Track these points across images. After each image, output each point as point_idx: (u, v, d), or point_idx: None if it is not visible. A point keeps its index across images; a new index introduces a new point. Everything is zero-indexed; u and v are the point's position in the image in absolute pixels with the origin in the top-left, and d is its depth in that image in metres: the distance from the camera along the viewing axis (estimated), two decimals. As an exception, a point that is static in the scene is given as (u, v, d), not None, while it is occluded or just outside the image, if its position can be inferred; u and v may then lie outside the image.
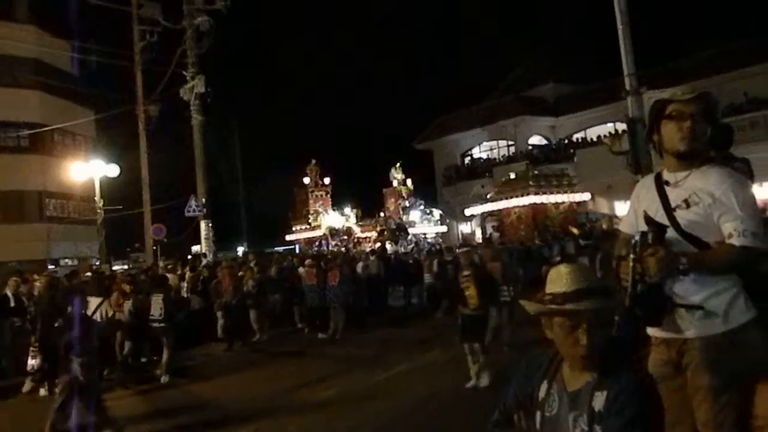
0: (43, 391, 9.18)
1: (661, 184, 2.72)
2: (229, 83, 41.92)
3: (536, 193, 27.66)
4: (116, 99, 23.14)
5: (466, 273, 7.66)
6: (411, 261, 18.31)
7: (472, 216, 32.98)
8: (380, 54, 73.91)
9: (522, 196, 27.76)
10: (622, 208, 27.76)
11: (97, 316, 9.33)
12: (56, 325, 9.85)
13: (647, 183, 2.84)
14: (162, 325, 10.11)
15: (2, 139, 25.95)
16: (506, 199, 28.50)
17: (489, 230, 31.43)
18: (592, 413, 1.88)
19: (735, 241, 2.46)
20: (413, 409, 6.96)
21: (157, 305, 10.20)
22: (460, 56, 68.51)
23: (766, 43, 24.67)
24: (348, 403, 7.51)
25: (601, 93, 29.59)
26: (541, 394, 2.03)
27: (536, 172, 28.75)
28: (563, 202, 28.48)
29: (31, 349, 9.50)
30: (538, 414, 2.02)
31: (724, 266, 2.53)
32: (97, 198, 20.06)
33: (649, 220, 2.56)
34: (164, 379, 9.73)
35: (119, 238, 28.11)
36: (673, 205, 2.63)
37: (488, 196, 30.02)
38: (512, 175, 29.57)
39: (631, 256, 2.49)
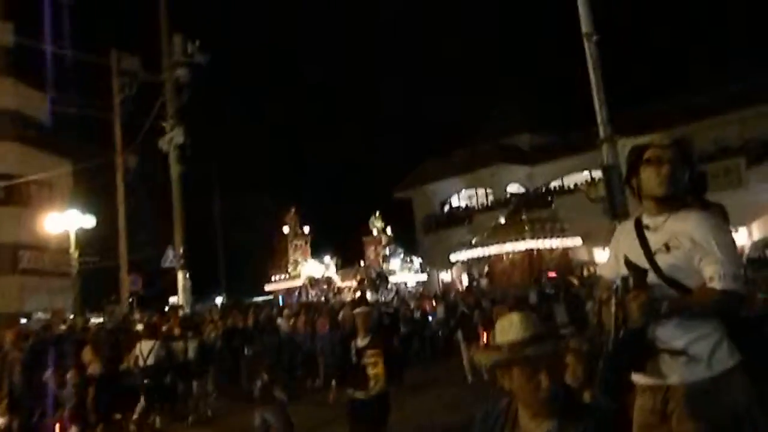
0: None
1: (640, 228, 2.73)
2: (210, 131, 42.03)
3: (532, 238, 27.02)
4: (94, 150, 23.06)
5: (367, 343, 5.77)
6: (392, 311, 18.17)
7: (456, 263, 32.69)
8: (359, 106, 74.94)
9: (517, 240, 27.09)
10: (600, 254, 27.99)
11: (151, 359, 10.07)
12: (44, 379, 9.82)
13: (627, 227, 2.86)
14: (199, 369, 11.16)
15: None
16: (498, 243, 27.76)
17: (476, 277, 30.90)
18: None
19: (716, 285, 2.47)
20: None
21: (192, 349, 11.16)
22: (437, 107, 69.64)
23: (734, 93, 25.58)
24: None
25: (576, 141, 30.23)
26: None
27: (524, 216, 28.31)
28: (556, 248, 28.04)
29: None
30: None
31: (706, 310, 2.53)
32: (72, 250, 19.75)
33: (629, 264, 2.56)
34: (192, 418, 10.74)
35: (94, 290, 27.50)
36: (653, 249, 2.64)
37: (473, 242, 29.63)
38: (502, 220, 29.12)
39: (613, 300, 2.50)
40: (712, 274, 2.48)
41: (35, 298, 27.03)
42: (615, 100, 10.02)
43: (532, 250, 27.10)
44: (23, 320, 21.69)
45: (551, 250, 27.87)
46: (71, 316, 19.50)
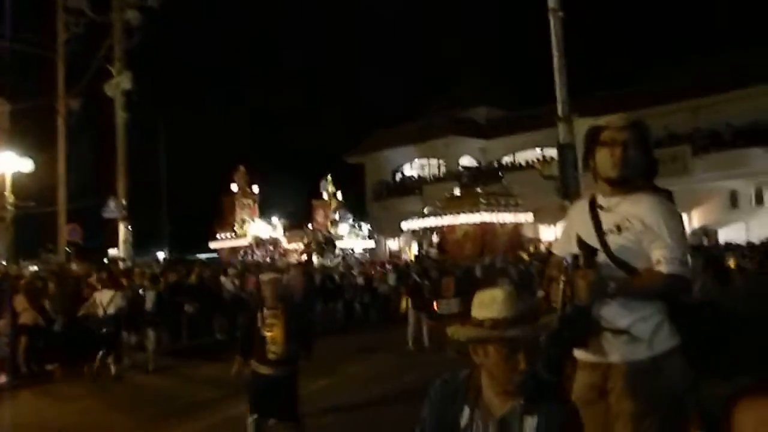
0: None
1: (594, 208, 2.74)
2: (158, 81, 40.61)
3: (486, 210, 27.07)
4: (34, 90, 21.95)
5: (270, 310, 5.26)
6: (337, 276, 18.16)
7: (408, 231, 32.76)
8: (316, 66, 73.78)
9: (472, 212, 27.10)
10: (547, 232, 28.61)
11: (111, 309, 10.13)
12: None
13: (581, 206, 2.86)
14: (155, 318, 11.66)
15: None
16: (452, 214, 27.74)
17: (426, 247, 30.61)
18: None
19: (663, 268, 2.49)
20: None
21: (150, 300, 11.73)
22: (395, 74, 69.20)
23: (687, 83, 26.27)
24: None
25: (531, 118, 30.56)
26: (463, 421, 1.95)
27: (479, 189, 28.34)
28: (509, 223, 28.20)
29: None
30: None
31: (651, 292, 2.55)
32: (7, 193, 18.90)
33: (581, 243, 2.57)
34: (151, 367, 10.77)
35: (30, 237, 26.52)
36: (605, 229, 2.65)
37: (426, 211, 29.59)
38: (457, 191, 29.10)
39: (562, 278, 2.50)
40: (660, 257, 2.50)
41: (-34, 241, 25.92)
42: (574, 81, 10.09)
43: (485, 223, 27.18)
44: (-48, 264, 20.75)
45: (503, 224, 28.08)
46: (4, 263, 18.79)
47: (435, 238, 29.30)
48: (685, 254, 2.53)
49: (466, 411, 1.96)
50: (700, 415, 5.01)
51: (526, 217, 28.65)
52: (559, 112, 9.49)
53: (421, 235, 30.36)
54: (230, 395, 8.30)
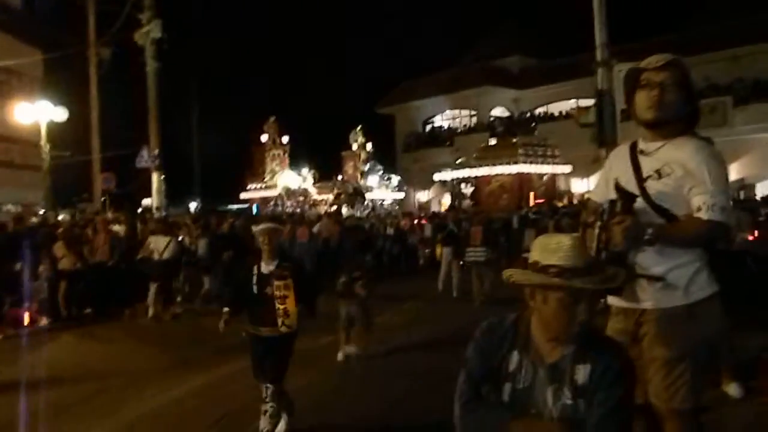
0: None
1: (635, 154, 2.67)
2: (189, 31, 40.48)
3: (524, 162, 26.33)
4: (66, 40, 22.03)
5: (273, 269, 4.73)
6: (367, 226, 18.26)
7: (438, 183, 32.39)
8: (348, 14, 72.59)
9: (509, 164, 26.39)
10: (579, 185, 28.19)
11: (167, 254, 10.68)
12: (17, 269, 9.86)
13: (622, 152, 2.79)
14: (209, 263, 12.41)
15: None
16: (488, 165, 27.02)
17: (459, 198, 30.06)
18: (575, 387, 1.82)
19: (703, 215, 2.42)
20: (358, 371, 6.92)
21: (202, 247, 12.51)
22: (428, 23, 67.79)
23: (728, 29, 25.17)
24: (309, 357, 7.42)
25: (566, 68, 29.74)
26: (512, 365, 1.93)
27: (516, 139, 27.47)
28: (546, 174, 27.48)
29: None
30: (508, 386, 1.92)
31: (690, 240, 2.49)
32: (43, 142, 19.21)
33: (618, 188, 2.52)
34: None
35: (66, 186, 27.08)
36: (644, 174, 2.58)
37: (458, 162, 28.93)
38: (492, 142, 28.33)
39: (598, 223, 2.46)
40: (700, 204, 2.43)
41: (5, 190, 26.53)
42: (613, 29, 9.74)
43: (522, 174, 26.46)
44: (-8, 212, 21.35)
45: (541, 175, 27.35)
46: (42, 211, 19.26)
47: (468, 190, 28.85)
48: (727, 201, 2.45)
49: (515, 356, 1.93)
50: (733, 365, 4.99)
51: (563, 169, 27.91)
52: (598, 56, 9.21)
53: (454, 186, 29.78)
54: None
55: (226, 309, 4.75)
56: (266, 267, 4.75)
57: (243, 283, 4.83)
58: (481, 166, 27.44)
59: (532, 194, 26.17)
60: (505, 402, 1.92)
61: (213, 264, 12.36)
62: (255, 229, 4.92)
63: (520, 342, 1.94)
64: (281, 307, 4.59)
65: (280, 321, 4.61)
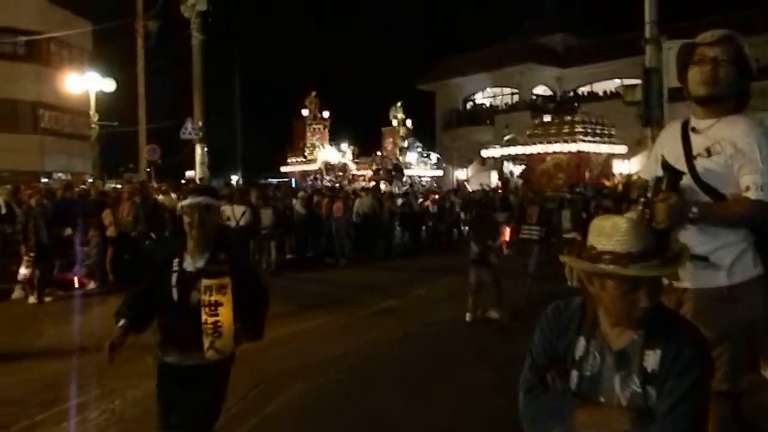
0: (32, 299, 9.42)
1: (686, 131, 2.62)
2: (234, 4, 40.72)
3: (583, 140, 24.93)
4: (114, 11, 22.45)
5: (204, 265, 3.13)
6: (404, 201, 18.32)
7: (477, 161, 31.55)
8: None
9: (567, 141, 25.06)
10: (620, 166, 27.60)
11: (243, 221, 11.48)
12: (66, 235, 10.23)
13: (673, 128, 2.75)
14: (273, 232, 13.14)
15: (-2, 44, 25.26)
16: (544, 143, 25.68)
17: (508, 176, 28.98)
18: (645, 374, 1.74)
19: (751, 195, 2.38)
20: (405, 338, 7.03)
21: (267, 217, 12.95)
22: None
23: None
24: (345, 330, 7.59)
25: (611, 47, 28.99)
26: (578, 352, 1.85)
27: (576, 117, 26.13)
28: (603, 153, 26.22)
29: (26, 258, 9.50)
30: (575, 373, 1.84)
31: (736, 219, 2.45)
32: (92, 112, 19.70)
33: (665, 165, 2.47)
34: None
35: (113, 156, 27.83)
36: (694, 152, 2.54)
37: (506, 139, 27.80)
38: (547, 118, 27.08)
39: (641, 199, 2.44)
40: (749, 183, 2.38)
41: (55, 158, 27.42)
42: (662, 7, 9.47)
43: (582, 152, 25.12)
44: (43, 180, 22.08)
45: (598, 155, 26.10)
46: (90, 180, 19.81)
47: (516, 168, 27.86)
48: None
49: (582, 342, 1.85)
50: (774, 350, 4.88)
51: (620, 149, 26.54)
52: (647, 33, 8.98)
53: (501, 164, 28.79)
54: (301, 309, 8.74)
55: (121, 322, 3.11)
56: (193, 262, 3.11)
57: (154, 283, 3.19)
58: (534, 143, 26.06)
59: (587, 174, 25.21)
60: (571, 390, 1.84)
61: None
62: (183, 204, 3.18)
63: (587, 327, 1.85)
64: (211, 320, 2.97)
65: (207, 342, 2.98)
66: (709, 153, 2.50)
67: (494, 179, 29.94)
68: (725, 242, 2.47)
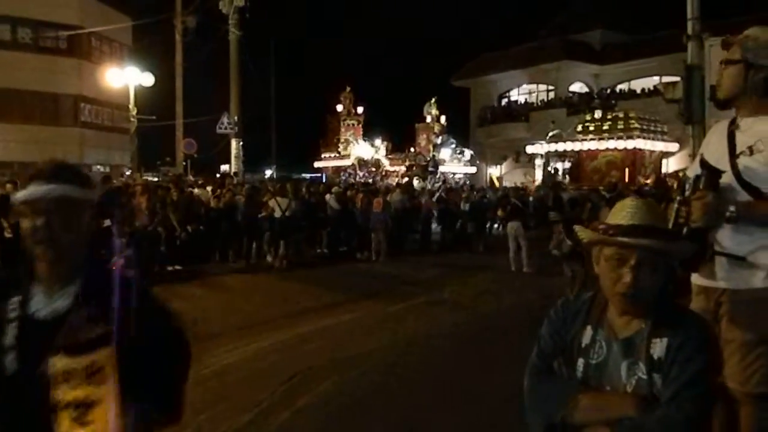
0: None
1: (732, 129, 2.58)
2: (270, 1, 41.04)
3: (639, 137, 24.02)
4: (153, 7, 22.86)
5: (91, 326, 1.57)
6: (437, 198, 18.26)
7: (510, 159, 30.70)
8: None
9: (623, 138, 24.15)
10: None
11: (289, 212, 12.57)
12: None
13: (720, 127, 2.69)
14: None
15: (41, 39, 25.91)
16: (597, 140, 24.81)
17: (553, 173, 27.87)
18: (651, 361, 1.76)
19: None
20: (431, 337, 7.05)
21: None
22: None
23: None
24: (375, 324, 7.63)
25: (650, 44, 28.43)
26: (585, 340, 1.88)
27: (632, 113, 25.20)
28: (656, 151, 25.36)
29: None
30: (581, 361, 1.87)
31: None
32: (131, 106, 20.10)
33: (704, 163, 2.42)
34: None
35: (150, 149, 28.33)
36: (737, 151, 2.49)
37: (551, 134, 26.90)
38: (598, 114, 26.19)
39: (677, 197, 2.41)
40: None
41: (94, 151, 28.07)
42: (704, 4, 9.27)
43: (637, 150, 24.27)
44: (83, 172, 22.55)
45: (652, 152, 25.20)
46: (128, 172, 20.24)
47: (561, 164, 26.82)
48: None
49: (588, 330, 1.89)
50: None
51: (672, 146, 25.61)
52: (689, 30, 8.79)
53: (547, 160, 27.69)
54: (333, 303, 8.81)
55: None
56: (46, 301, 1.66)
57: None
58: (585, 139, 25.24)
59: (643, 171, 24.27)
60: (578, 377, 1.87)
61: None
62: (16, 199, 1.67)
63: (594, 316, 1.89)
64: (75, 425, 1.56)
65: None
66: (751, 151, 2.44)
67: (538, 176, 28.99)
68: (762, 244, 2.41)
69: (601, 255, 1.83)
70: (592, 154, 25.32)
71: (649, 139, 24.33)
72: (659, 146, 25.26)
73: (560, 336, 1.93)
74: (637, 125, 24.10)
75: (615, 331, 1.85)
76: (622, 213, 1.81)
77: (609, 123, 25.06)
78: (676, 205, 2.39)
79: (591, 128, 25.44)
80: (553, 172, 26.96)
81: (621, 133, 24.20)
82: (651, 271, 1.76)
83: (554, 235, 8.78)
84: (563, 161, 26.89)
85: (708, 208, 2.31)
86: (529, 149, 29.15)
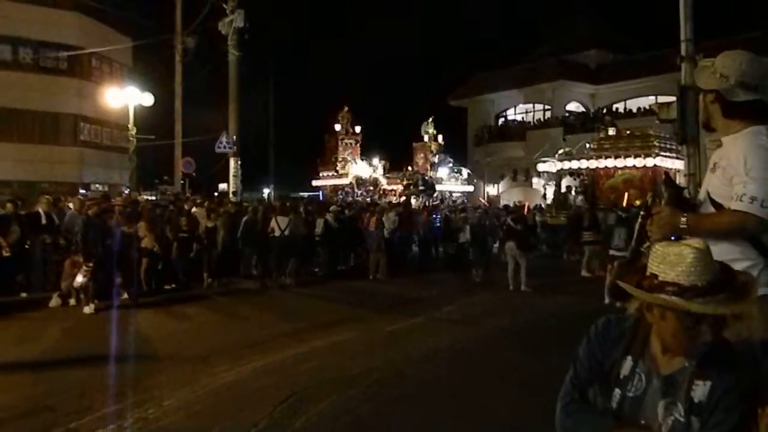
0: (88, 309, 9.44)
1: (713, 149, 2.70)
2: (268, 21, 41.43)
3: (661, 155, 23.41)
4: (153, 28, 23.06)
5: None
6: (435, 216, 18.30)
7: (508, 178, 30.51)
8: (423, 5, 72.36)
9: (642, 156, 23.48)
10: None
11: (288, 231, 12.69)
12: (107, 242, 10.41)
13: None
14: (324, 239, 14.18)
15: (41, 59, 26.07)
16: (613, 158, 24.15)
17: (563, 191, 27.19)
18: (691, 404, 1.69)
19: (733, 205, 2.34)
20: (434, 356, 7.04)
21: (319, 226, 14.05)
22: (501, 15, 66.82)
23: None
24: (369, 345, 7.61)
25: (646, 64, 28.70)
26: (624, 371, 1.80)
27: (651, 130, 24.35)
28: (672, 170, 23.86)
29: (84, 268, 9.54)
30: (618, 392, 1.80)
31: (721, 230, 2.38)
32: (130, 126, 20.17)
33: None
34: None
35: (148, 168, 28.38)
36: (709, 167, 2.62)
37: (560, 152, 26.36)
38: (611, 131, 25.67)
39: (641, 213, 2.53)
40: (734, 193, 2.35)
41: (93, 170, 28.13)
42: (697, 25, 9.40)
43: (657, 167, 23.31)
44: (81, 191, 22.64)
45: (669, 170, 23.60)
46: (127, 191, 20.25)
47: (572, 182, 26.18)
48: (761, 192, 2.28)
49: (629, 361, 1.81)
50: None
51: (681, 165, 25.66)
52: (682, 51, 8.94)
53: (559, 178, 26.93)
54: (332, 322, 8.79)
55: None
56: None
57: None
58: (601, 157, 24.62)
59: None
60: (612, 409, 1.80)
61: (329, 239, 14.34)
62: None
63: (636, 347, 1.81)
64: None
65: None
66: (714, 168, 2.53)
67: (549, 194, 28.60)
68: (731, 258, 2.40)
69: (665, 313, 1.68)
70: (608, 172, 24.78)
71: (669, 157, 23.83)
72: (678, 164, 24.97)
73: (597, 360, 1.86)
74: (657, 143, 23.66)
75: (657, 366, 1.78)
76: (680, 268, 1.65)
77: (625, 141, 24.66)
78: (639, 221, 2.50)
79: (606, 146, 24.93)
80: (565, 190, 26.64)
81: (639, 151, 23.72)
82: (717, 324, 1.68)
83: (585, 256, 8.67)
84: (575, 179, 26.59)
85: (660, 221, 2.39)
86: (540, 167, 28.62)
